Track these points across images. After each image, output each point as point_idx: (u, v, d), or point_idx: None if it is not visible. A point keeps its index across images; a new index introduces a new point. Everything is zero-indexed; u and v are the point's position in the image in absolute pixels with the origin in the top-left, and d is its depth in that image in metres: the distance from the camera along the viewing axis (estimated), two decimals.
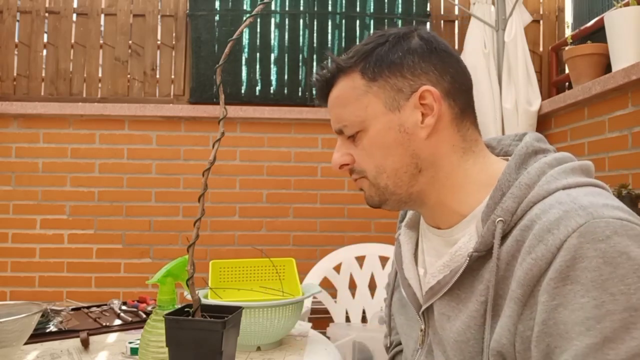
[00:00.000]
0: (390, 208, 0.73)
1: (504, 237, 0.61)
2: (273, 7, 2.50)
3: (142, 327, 0.79)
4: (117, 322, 1.16)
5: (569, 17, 2.54)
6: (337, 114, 0.72)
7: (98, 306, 1.30)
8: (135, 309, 1.25)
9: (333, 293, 1.93)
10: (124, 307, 1.27)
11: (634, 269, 0.51)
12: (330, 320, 1.90)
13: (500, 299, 0.60)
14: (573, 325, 0.51)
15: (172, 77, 2.52)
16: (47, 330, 1.06)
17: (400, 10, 2.56)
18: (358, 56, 0.70)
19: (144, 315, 1.21)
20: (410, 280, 0.75)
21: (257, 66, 2.51)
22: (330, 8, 2.54)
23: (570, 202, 0.57)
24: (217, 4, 2.50)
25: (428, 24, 2.57)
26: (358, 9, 2.55)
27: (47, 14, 2.48)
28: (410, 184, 0.69)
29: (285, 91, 2.51)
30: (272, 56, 2.52)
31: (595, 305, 0.50)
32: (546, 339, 0.53)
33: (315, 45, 2.53)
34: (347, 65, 0.70)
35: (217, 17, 2.49)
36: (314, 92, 2.51)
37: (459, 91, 0.69)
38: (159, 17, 2.52)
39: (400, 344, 0.88)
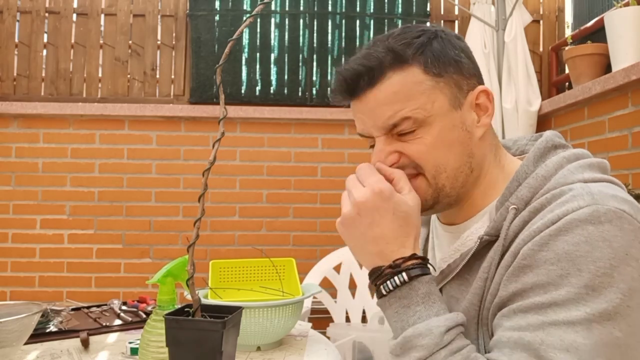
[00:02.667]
0: (434, 212, 0.71)
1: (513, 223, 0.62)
2: (273, 7, 2.50)
3: (142, 327, 0.79)
4: (117, 322, 1.16)
5: (569, 17, 2.54)
6: (397, 108, 0.65)
7: (98, 306, 1.29)
8: (135, 309, 1.25)
9: (333, 293, 1.93)
10: (124, 307, 1.27)
11: (609, 257, 0.52)
12: (330, 320, 1.90)
13: (502, 270, 0.61)
14: (534, 285, 0.55)
15: (172, 77, 2.52)
16: (47, 330, 1.06)
17: (400, 10, 2.56)
18: (415, 48, 0.65)
19: (144, 315, 1.21)
20: None
21: (257, 66, 2.51)
22: (330, 8, 2.54)
23: (581, 188, 0.58)
24: (217, 4, 2.50)
25: (428, 23, 2.57)
26: (358, 9, 2.55)
27: (47, 14, 2.48)
28: (463, 184, 0.68)
29: (285, 91, 2.51)
30: (272, 56, 2.52)
31: (559, 275, 0.53)
32: (505, 292, 0.57)
33: (315, 45, 2.53)
34: (405, 57, 0.65)
35: (217, 17, 2.49)
36: (314, 92, 2.51)
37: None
38: (159, 17, 2.52)
39: None
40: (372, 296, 1.94)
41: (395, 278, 0.61)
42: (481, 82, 0.70)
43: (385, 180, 0.65)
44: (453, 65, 0.66)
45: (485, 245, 0.64)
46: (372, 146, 0.71)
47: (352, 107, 0.72)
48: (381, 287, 0.63)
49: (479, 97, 0.68)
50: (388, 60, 0.65)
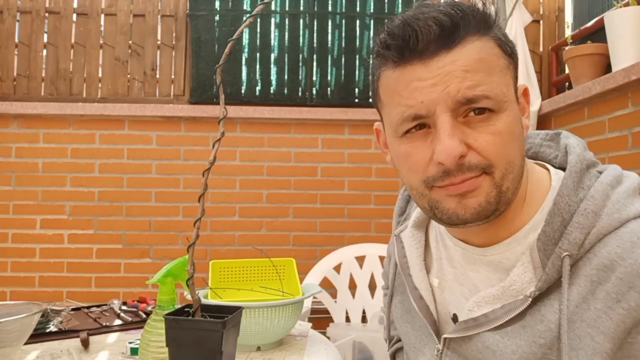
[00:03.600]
0: (482, 222, 0.57)
1: (570, 273, 0.54)
2: (273, 7, 2.50)
3: (142, 327, 0.79)
4: (117, 322, 1.16)
5: (569, 17, 2.54)
6: (475, 79, 0.53)
7: (98, 306, 1.30)
8: (135, 309, 1.25)
9: (333, 293, 1.93)
10: (124, 307, 1.27)
11: None
12: (330, 320, 1.90)
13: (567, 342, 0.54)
14: None
15: (172, 77, 2.52)
16: (47, 330, 1.06)
17: (400, 10, 2.56)
18: (490, 20, 0.55)
19: (144, 315, 1.21)
20: (422, 291, 0.68)
21: (257, 66, 2.51)
22: (330, 8, 2.54)
23: None
24: (217, 4, 2.50)
25: None
26: (358, 9, 2.55)
27: (47, 14, 2.48)
28: (516, 189, 0.57)
29: (285, 91, 2.50)
30: (272, 56, 2.52)
31: None
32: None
33: (315, 45, 2.53)
34: (489, 23, 0.55)
35: (217, 17, 2.49)
36: (314, 92, 2.51)
37: None
38: (159, 17, 2.52)
39: (400, 340, 0.82)
40: (372, 296, 1.94)
41: None
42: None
43: None
44: (515, 51, 0.58)
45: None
46: (408, 132, 0.57)
47: (409, 72, 0.55)
48: None
49: (525, 94, 0.62)
50: (473, 22, 0.54)
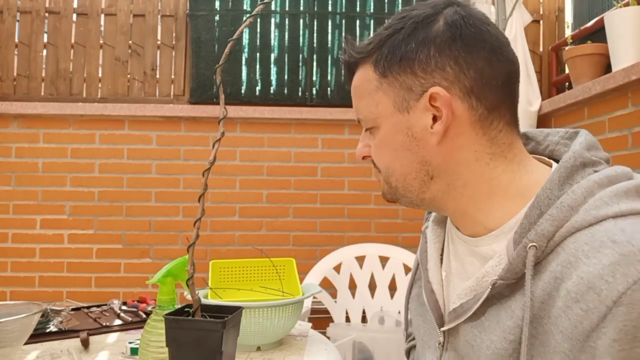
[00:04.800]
0: (404, 206, 0.68)
1: (537, 266, 0.54)
2: (273, 7, 2.50)
3: (142, 327, 0.79)
4: (117, 322, 1.16)
5: (569, 17, 2.54)
6: (355, 104, 0.67)
7: (98, 306, 1.30)
8: (135, 309, 1.25)
9: (333, 293, 1.93)
10: (124, 307, 1.27)
11: None
12: (330, 320, 1.90)
13: (533, 339, 0.53)
14: None
15: (172, 77, 2.52)
16: (47, 330, 1.06)
17: (400, 10, 2.56)
18: (374, 44, 0.63)
19: (144, 315, 1.21)
20: (433, 285, 0.69)
21: (257, 66, 2.51)
22: (330, 8, 2.54)
23: (627, 241, 0.48)
24: (217, 4, 2.50)
25: None
26: (358, 9, 2.55)
27: (47, 14, 2.48)
28: (421, 189, 0.63)
29: (285, 91, 2.50)
30: (272, 56, 2.52)
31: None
32: None
33: (315, 45, 2.53)
34: (360, 55, 0.64)
35: (217, 17, 2.49)
36: (314, 92, 2.52)
37: (488, 87, 0.59)
38: (159, 17, 2.52)
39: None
40: (372, 296, 1.94)
41: None
42: (461, 79, 0.58)
43: None
44: (402, 63, 0.59)
45: (502, 287, 0.56)
46: None
47: None
48: None
49: (435, 98, 0.58)
50: (352, 57, 0.66)
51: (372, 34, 2.57)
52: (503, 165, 0.60)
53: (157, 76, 2.51)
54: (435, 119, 0.59)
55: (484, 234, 0.62)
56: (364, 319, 1.93)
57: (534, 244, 0.53)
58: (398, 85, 0.60)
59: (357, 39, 2.53)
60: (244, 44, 2.50)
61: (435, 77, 0.58)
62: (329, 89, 2.51)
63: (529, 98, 2.21)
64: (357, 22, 2.55)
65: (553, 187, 0.55)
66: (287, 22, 2.53)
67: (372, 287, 1.94)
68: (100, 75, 2.49)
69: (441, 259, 0.71)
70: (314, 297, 1.52)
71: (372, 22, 2.56)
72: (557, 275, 0.51)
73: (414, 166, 0.62)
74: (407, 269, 1.92)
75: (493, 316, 0.58)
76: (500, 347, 0.55)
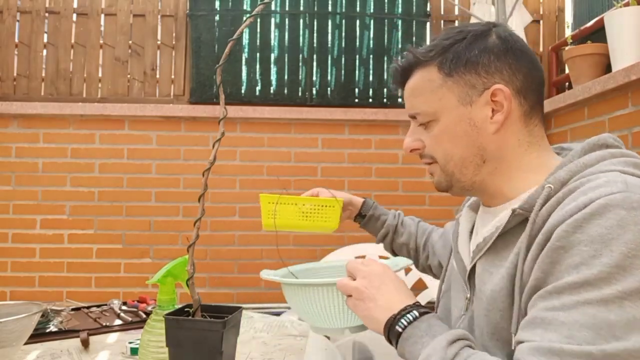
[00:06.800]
0: (454, 194, 0.79)
1: (548, 200, 0.64)
2: (273, 7, 2.50)
3: (142, 327, 0.79)
4: (117, 322, 1.16)
5: (569, 17, 2.54)
6: (411, 102, 0.77)
7: (98, 306, 1.30)
8: (135, 309, 1.25)
9: None
10: (124, 307, 1.27)
11: None
12: None
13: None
14: (567, 266, 0.56)
15: (172, 77, 2.52)
16: (47, 330, 1.06)
17: (400, 10, 2.56)
18: (436, 51, 0.74)
19: (144, 315, 1.21)
20: (462, 252, 0.80)
21: (257, 66, 2.51)
22: (330, 8, 2.54)
23: (616, 176, 0.60)
24: (217, 4, 2.50)
25: (428, 24, 2.57)
26: (358, 9, 2.55)
27: (47, 14, 2.48)
28: (474, 173, 0.74)
29: (285, 91, 2.51)
30: (272, 56, 2.52)
31: (592, 255, 0.55)
32: (540, 273, 0.59)
33: (315, 45, 2.53)
34: (425, 59, 0.75)
35: (217, 17, 2.49)
36: (314, 92, 2.52)
37: (530, 89, 0.73)
38: (159, 17, 2.52)
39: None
40: None
41: (397, 327, 0.66)
42: (514, 80, 0.72)
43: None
44: (467, 65, 0.72)
45: (521, 221, 0.67)
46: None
47: None
48: (393, 342, 0.68)
49: (496, 94, 0.71)
50: (417, 60, 0.76)
51: (372, 34, 2.58)
52: (537, 152, 0.74)
53: (157, 76, 2.51)
54: (493, 111, 0.72)
55: (499, 203, 0.74)
56: None
57: (550, 185, 0.64)
58: (463, 83, 0.73)
59: (357, 39, 2.54)
60: (244, 44, 2.50)
61: (495, 77, 0.72)
62: (329, 89, 2.51)
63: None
64: (357, 22, 2.55)
65: (575, 154, 0.68)
66: (287, 22, 2.53)
67: None
68: (100, 75, 2.49)
69: (471, 237, 0.82)
70: None
71: (372, 22, 2.56)
72: (559, 200, 0.62)
73: (471, 151, 0.73)
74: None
75: (509, 244, 0.68)
76: (509, 262, 0.65)
